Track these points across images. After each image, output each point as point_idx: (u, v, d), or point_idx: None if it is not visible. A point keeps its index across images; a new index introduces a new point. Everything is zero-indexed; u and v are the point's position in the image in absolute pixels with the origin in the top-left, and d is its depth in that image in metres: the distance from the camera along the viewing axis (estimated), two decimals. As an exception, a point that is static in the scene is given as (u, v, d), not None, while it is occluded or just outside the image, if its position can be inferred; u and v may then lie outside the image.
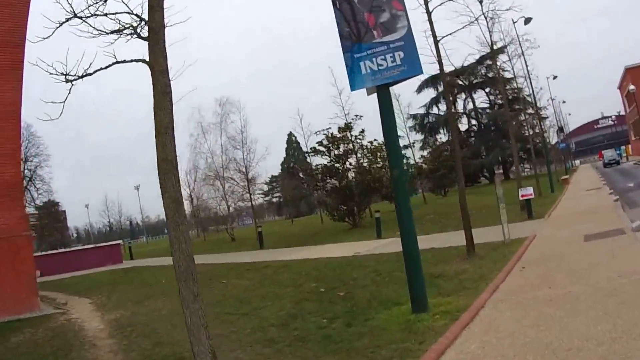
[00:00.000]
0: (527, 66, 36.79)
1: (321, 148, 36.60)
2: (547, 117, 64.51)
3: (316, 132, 37.30)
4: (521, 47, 34.45)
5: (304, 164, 50.93)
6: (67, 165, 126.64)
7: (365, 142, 37.68)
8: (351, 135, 36.96)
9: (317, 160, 38.10)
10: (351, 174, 36.46)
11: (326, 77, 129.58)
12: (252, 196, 45.87)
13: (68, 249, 48.02)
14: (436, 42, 15.30)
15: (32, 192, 71.98)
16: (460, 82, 75.07)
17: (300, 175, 38.95)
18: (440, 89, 73.84)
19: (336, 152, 36.00)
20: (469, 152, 69.59)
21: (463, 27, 16.55)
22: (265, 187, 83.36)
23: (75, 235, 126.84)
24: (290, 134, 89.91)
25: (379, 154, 36.64)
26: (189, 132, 48.96)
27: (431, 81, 72.82)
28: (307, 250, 24.25)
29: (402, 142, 45.98)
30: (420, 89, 76.96)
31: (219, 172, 46.97)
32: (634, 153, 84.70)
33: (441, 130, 77.62)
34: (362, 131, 37.17)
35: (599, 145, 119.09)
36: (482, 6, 24.20)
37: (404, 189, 9.89)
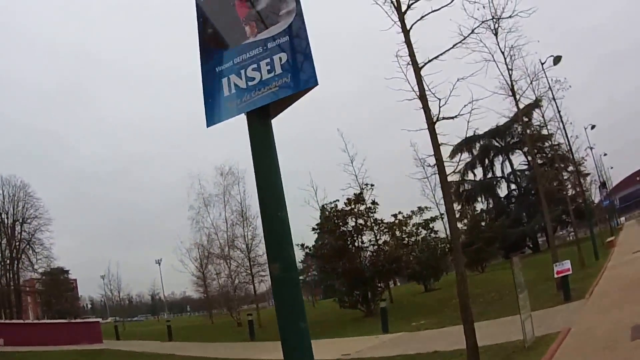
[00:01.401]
0: (559, 112, 31.83)
1: (328, 224, 32.12)
2: (588, 174, 58.83)
3: (322, 206, 32.52)
4: (552, 91, 29.63)
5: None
6: (81, 232, 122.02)
7: (381, 217, 33.65)
8: (364, 209, 32.47)
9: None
10: (366, 254, 32.18)
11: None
12: (254, 278, 40.42)
13: (39, 321, 45.16)
14: (416, 70, 10.45)
15: (31, 257, 67.66)
16: (497, 144, 71.05)
17: (305, 255, 33.55)
18: (475, 152, 71.12)
19: (343, 228, 31.54)
20: (509, 220, 65.11)
21: (455, 45, 11.35)
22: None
23: (90, 305, 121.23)
24: (322, 209, 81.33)
25: (401, 228, 32.43)
26: (189, 204, 43.58)
27: (465, 145, 67.97)
28: None
29: (430, 214, 42.87)
30: (453, 154, 70.79)
31: (223, 250, 41.72)
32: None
33: (479, 198, 73.47)
34: (374, 202, 32.61)
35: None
36: (497, 38, 20.10)
37: (296, 293, 5.08)
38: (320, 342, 19.95)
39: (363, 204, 32.42)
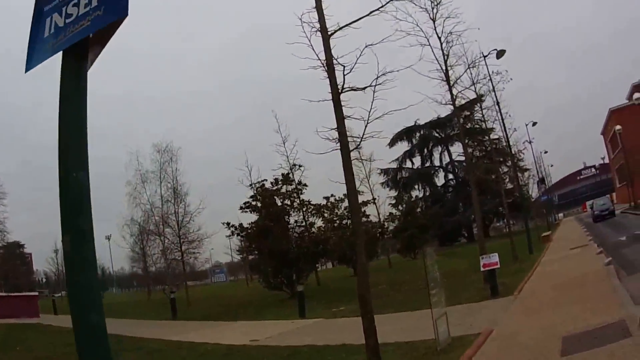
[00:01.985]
0: (498, 103, 30.10)
1: (256, 203, 30.75)
2: (528, 169, 60.38)
3: (250, 185, 31.06)
4: (492, 81, 28.47)
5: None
6: (37, 205, 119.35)
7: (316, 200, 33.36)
8: (291, 189, 31.31)
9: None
10: (292, 235, 31.12)
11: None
12: (184, 255, 38.85)
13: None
14: (325, 37, 9.05)
15: None
16: (437, 135, 71.26)
17: (232, 235, 31.82)
18: (414, 141, 72.22)
19: (271, 209, 30.18)
20: (445, 208, 65.20)
21: (372, 12, 9.89)
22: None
23: (44, 279, 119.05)
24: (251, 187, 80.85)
25: (332, 211, 30.90)
26: (126, 180, 42.68)
27: (405, 134, 71.00)
28: (210, 328, 20.03)
29: (362, 198, 41.32)
30: (393, 143, 73.25)
31: (158, 227, 40.30)
32: (618, 201, 78.28)
33: (416, 186, 73.62)
34: (300, 183, 31.48)
35: (582, 197, 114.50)
36: (435, 24, 19.47)
37: (90, 277, 3.62)
38: (236, 325, 20.13)
39: (291, 184, 30.96)
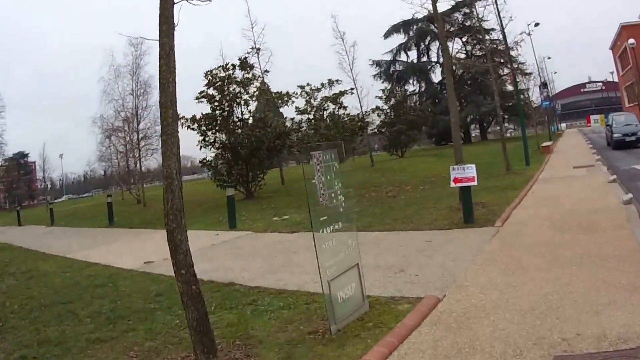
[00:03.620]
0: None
1: (213, 93, 26.26)
2: (530, 73, 55.79)
3: (207, 72, 26.25)
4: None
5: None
6: (42, 113, 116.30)
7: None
8: (249, 76, 26.76)
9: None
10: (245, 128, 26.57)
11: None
12: (140, 152, 37.19)
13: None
14: None
15: None
16: (435, 29, 65.77)
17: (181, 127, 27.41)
18: (411, 34, 68.43)
19: (218, 95, 26.13)
20: (440, 106, 61.17)
21: None
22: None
23: (49, 186, 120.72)
24: (262, 83, 76.94)
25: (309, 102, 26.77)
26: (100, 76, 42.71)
27: (402, 26, 67.92)
28: (127, 239, 17.51)
29: (339, 87, 38.60)
30: (388, 34, 70.35)
31: (129, 122, 38.61)
32: (627, 122, 74.08)
33: (411, 81, 69.75)
34: (251, 67, 27.23)
35: (586, 110, 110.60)
36: None
37: None
38: (156, 235, 17.02)
39: (249, 71, 26.33)
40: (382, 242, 10.35)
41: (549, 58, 69.12)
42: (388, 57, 70.25)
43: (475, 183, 11.05)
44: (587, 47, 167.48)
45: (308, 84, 38.04)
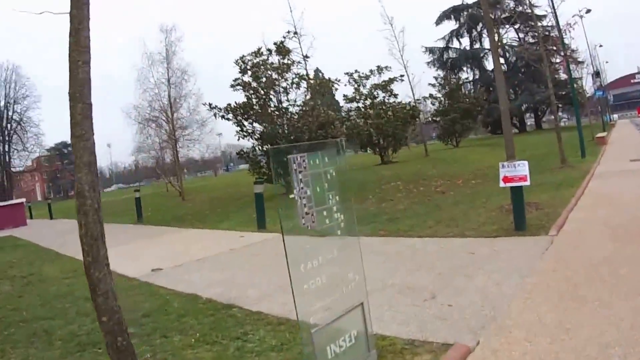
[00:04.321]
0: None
1: (247, 79, 24.86)
2: (582, 62, 53.14)
3: (238, 59, 25.06)
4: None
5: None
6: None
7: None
8: (285, 62, 25.05)
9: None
10: (287, 116, 25.19)
11: None
12: (177, 144, 36.34)
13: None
14: None
15: (22, 137, 69.59)
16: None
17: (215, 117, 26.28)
18: (462, 20, 66.40)
19: (254, 84, 24.58)
20: (495, 95, 58.32)
21: None
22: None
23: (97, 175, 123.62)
24: (317, 70, 76.95)
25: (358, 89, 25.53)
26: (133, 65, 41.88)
27: (452, 12, 66.36)
28: (151, 238, 16.26)
29: (389, 74, 36.76)
30: (439, 21, 68.71)
31: (166, 111, 37.01)
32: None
33: (464, 68, 67.84)
34: (287, 51, 25.54)
35: (636, 101, 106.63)
36: None
37: None
38: (182, 235, 16.08)
39: (285, 57, 24.96)
40: (419, 253, 8.91)
41: (601, 46, 66.55)
42: (441, 44, 68.59)
43: (527, 183, 9.46)
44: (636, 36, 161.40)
45: (356, 71, 36.68)
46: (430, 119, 48.49)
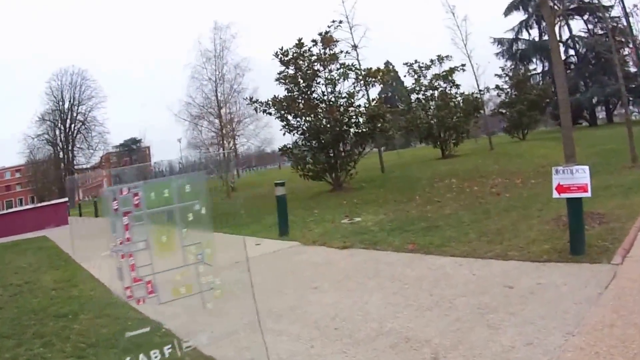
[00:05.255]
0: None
1: (295, 72, 23.45)
2: None
3: (277, 51, 23.50)
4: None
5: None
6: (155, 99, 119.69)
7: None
8: (328, 52, 23.61)
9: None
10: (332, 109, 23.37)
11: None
12: (223, 140, 37.35)
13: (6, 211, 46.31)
14: None
15: (86, 136, 74.25)
16: (554, 5, 61.98)
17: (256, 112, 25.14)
18: (531, 11, 63.67)
19: (294, 73, 23.50)
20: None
21: None
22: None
23: (168, 169, 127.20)
24: (387, 63, 75.14)
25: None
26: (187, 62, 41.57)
27: (521, 2, 63.36)
28: None
29: (450, 64, 35.45)
30: (508, 12, 65.30)
31: (220, 105, 37.83)
32: None
33: (534, 59, 64.67)
34: (329, 40, 24.17)
35: None
36: None
37: None
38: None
39: (331, 47, 23.52)
40: (443, 281, 7.09)
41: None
42: (510, 35, 65.91)
43: (588, 194, 7.39)
44: None
45: (416, 61, 35.34)
46: (496, 110, 46.47)
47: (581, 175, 7.39)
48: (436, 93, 35.41)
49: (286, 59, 22.95)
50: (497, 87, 45.17)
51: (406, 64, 35.45)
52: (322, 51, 23.05)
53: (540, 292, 6.02)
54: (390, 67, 35.88)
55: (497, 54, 64.44)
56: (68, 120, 72.82)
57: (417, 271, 7.75)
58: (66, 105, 72.24)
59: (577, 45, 64.18)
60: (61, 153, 72.94)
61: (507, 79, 46.00)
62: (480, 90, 37.11)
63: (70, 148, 73.03)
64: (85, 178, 76.22)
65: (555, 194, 7.66)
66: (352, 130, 22.56)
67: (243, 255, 10.62)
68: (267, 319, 6.06)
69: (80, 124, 73.56)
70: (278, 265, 9.71)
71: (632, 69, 48.50)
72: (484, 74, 58.87)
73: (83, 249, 14.42)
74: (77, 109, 73.23)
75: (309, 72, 22.60)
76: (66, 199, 36.32)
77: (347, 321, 5.98)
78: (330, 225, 13.83)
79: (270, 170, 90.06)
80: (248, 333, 5.52)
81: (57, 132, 73.01)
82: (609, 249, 7.47)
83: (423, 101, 35.49)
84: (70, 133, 72.78)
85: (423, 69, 35.27)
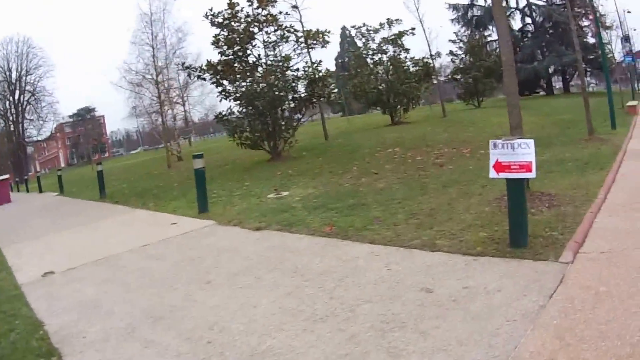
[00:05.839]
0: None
1: (229, 34, 21.98)
2: (610, 27, 51.73)
3: (207, 13, 21.82)
4: None
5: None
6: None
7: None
8: (265, 13, 22.17)
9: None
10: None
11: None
12: (162, 107, 35.83)
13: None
14: None
15: (35, 107, 72.70)
16: None
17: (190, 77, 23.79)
18: None
19: (230, 35, 21.87)
20: (521, 54, 57.61)
21: None
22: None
23: (125, 137, 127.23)
24: (343, 28, 76.28)
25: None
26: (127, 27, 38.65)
27: None
28: (94, 222, 13.36)
29: (399, 28, 34.37)
30: None
31: (158, 71, 36.06)
32: None
33: (490, 26, 63.90)
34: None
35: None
36: None
37: None
38: (113, 219, 13.45)
39: (267, 6, 22.03)
40: (351, 278, 5.71)
41: (629, 12, 62.30)
42: (465, 1, 65.58)
43: (532, 174, 5.97)
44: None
45: (364, 24, 34.35)
46: (450, 76, 46.30)
47: (524, 151, 5.94)
48: (385, 57, 34.47)
49: (217, 20, 21.37)
50: (451, 52, 44.64)
51: (354, 26, 34.81)
52: (257, 12, 21.42)
53: (465, 302, 4.62)
54: (347, 32, 34.68)
55: (452, 20, 64.56)
56: (17, 92, 71.34)
57: (324, 263, 6.38)
58: (14, 75, 70.84)
59: (534, 13, 64.16)
60: (12, 126, 71.28)
61: (461, 44, 46.03)
62: (431, 55, 36.15)
63: (20, 120, 71.58)
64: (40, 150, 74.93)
65: (492, 173, 6.22)
66: (289, 95, 21.23)
67: (158, 236, 9.48)
68: (143, 324, 5.14)
69: (30, 94, 72.12)
70: (184, 250, 8.41)
71: (591, 40, 49.28)
72: (436, 39, 58.74)
73: (21, 230, 13.77)
74: (26, 79, 72.05)
75: (242, 35, 21.12)
76: (7, 176, 34.32)
77: (224, 332, 4.65)
78: (255, 200, 12.62)
79: (222, 138, 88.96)
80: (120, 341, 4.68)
81: (7, 104, 71.59)
82: (558, 241, 6.09)
83: (371, 65, 34.43)
84: (19, 104, 71.35)
85: (371, 32, 34.26)
